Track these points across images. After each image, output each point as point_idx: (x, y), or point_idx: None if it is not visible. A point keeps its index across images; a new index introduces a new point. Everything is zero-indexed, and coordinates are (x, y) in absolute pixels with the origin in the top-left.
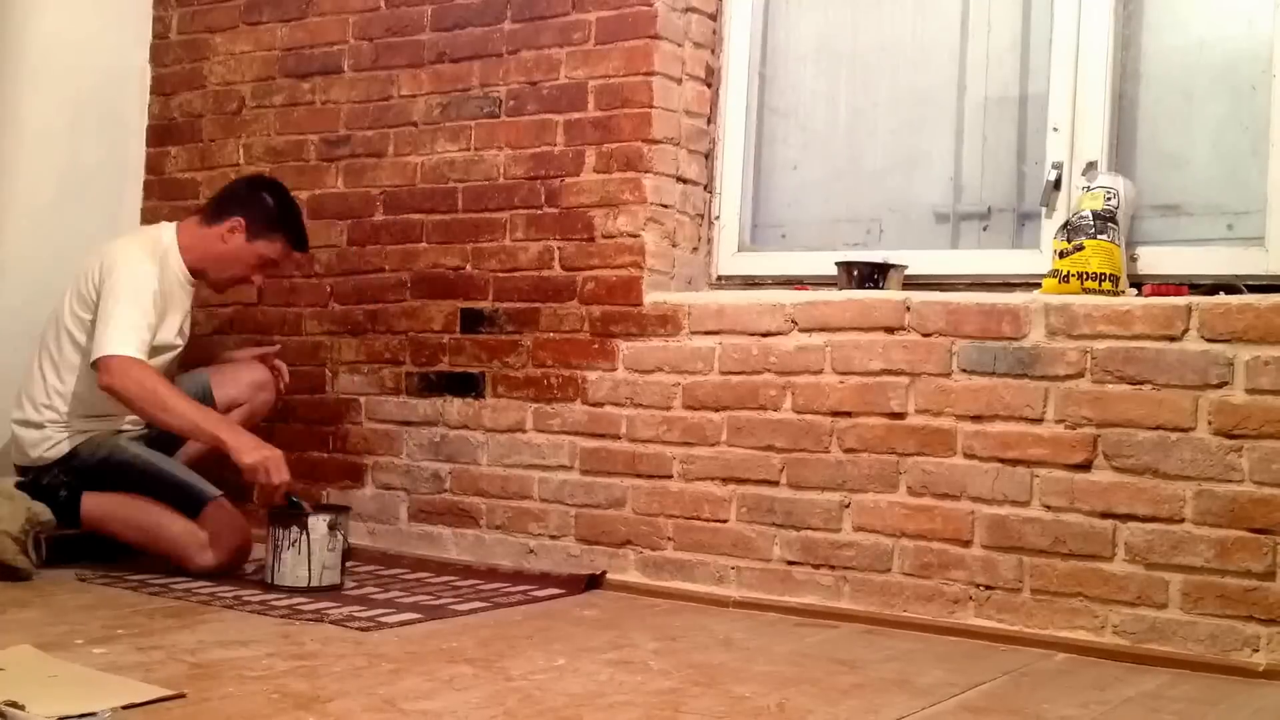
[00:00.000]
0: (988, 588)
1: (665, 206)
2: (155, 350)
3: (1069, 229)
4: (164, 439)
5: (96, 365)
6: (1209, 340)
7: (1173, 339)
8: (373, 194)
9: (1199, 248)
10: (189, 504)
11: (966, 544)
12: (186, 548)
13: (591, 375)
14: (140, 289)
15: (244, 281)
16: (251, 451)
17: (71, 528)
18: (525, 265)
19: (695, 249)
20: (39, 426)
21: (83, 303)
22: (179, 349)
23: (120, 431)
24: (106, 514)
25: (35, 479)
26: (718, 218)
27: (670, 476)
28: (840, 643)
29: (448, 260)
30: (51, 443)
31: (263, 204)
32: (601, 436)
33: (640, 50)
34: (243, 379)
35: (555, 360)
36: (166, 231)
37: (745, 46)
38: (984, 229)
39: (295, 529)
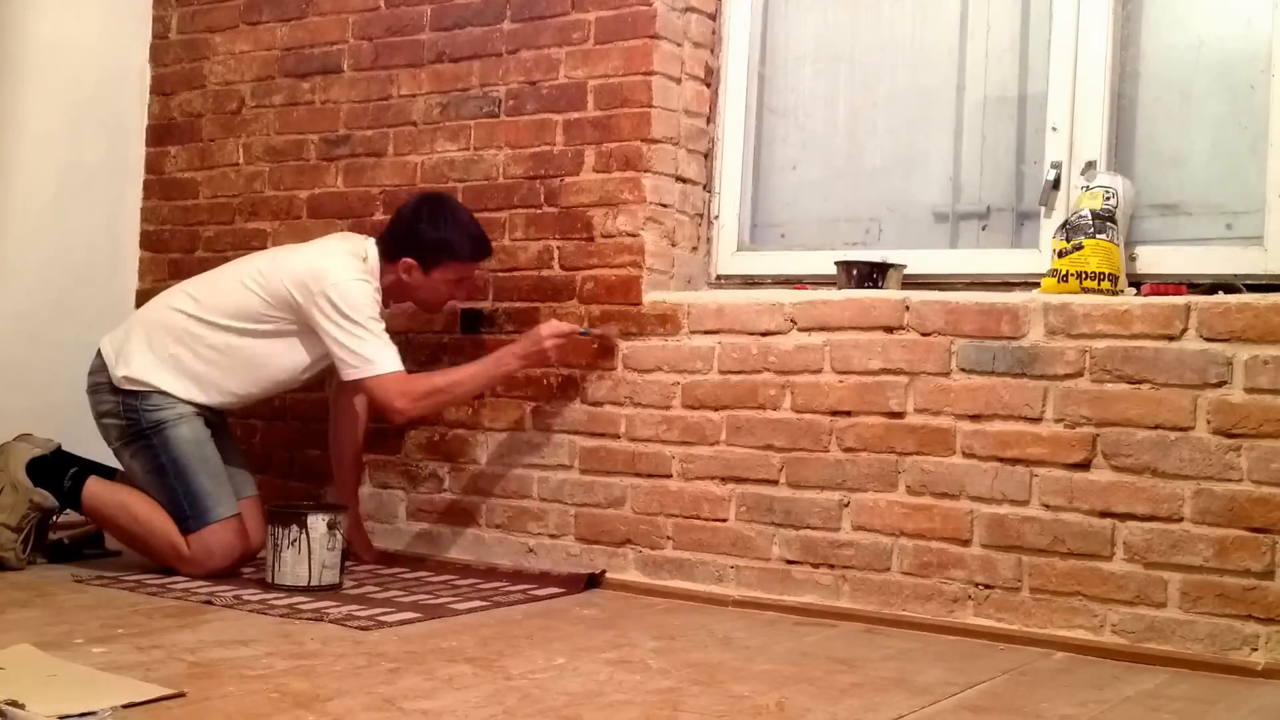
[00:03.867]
0: (987, 587)
1: (664, 206)
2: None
3: (1068, 228)
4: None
5: (364, 385)
6: (1208, 339)
7: (1172, 338)
8: (373, 193)
9: (1198, 247)
10: (190, 517)
11: (965, 543)
12: (170, 560)
13: (591, 374)
14: (368, 301)
15: (447, 301)
16: (539, 351)
17: (74, 509)
18: (525, 265)
19: (694, 248)
20: (151, 386)
21: (277, 299)
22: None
23: (194, 408)
24: (101, 507)
25: (95, 389)
26: (717, 217)
27: (670, 476)
28: (839, 642)
29: None
30: (151, 399)
31: (425, 237)
32: (601, 436)
33: (639, 50)
34: None
35: (555, 359)
36: (371, 250)
37: (744, 46)
38: (983, 228)
39: (295, 528)
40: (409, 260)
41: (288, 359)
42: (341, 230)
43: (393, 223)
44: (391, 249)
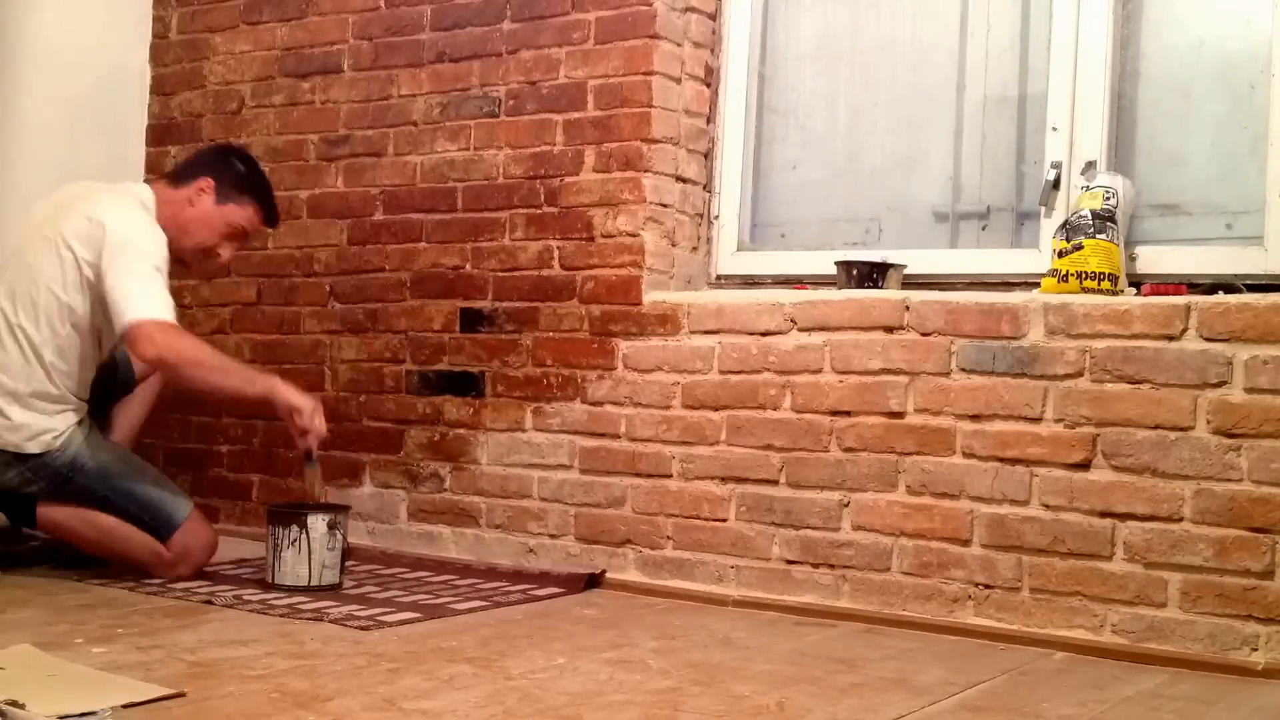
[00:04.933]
0: (987, 587)
1: (664, 206)
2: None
3: (1068, 228)
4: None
5: (128, 335)
6: (1208, 339)
7: (1171, 338)
8: (372, 193)
9: (1198, 247)
10: (159, 528)
11: (965, 543)
12: (150, 565)
13: (591, 374)
14: (156, 254)
15: (211, 254)
16: (304, 398)
17: (28, 526)
18: (525, 265)
19: (694, 248)
20: (30, 408)
21: (77, 269)
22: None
23: (76, 421)
24: (61, 520)
25: (3, 476)
26: (717, 217)
27: (670, 476)
28: (839, 642)
29: (447, 260)
30: (53, 433)
31: (233, 168)
32: (601, 436)
33: (640, 50)
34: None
35: (555, 360)
36: (144, 192)
37: (745, 46)
38: (983, 228)
39: (295, 528)
40: (208, 180)
41: (90, 333)
42: None
43: (196, 151)
44: (189, 171)
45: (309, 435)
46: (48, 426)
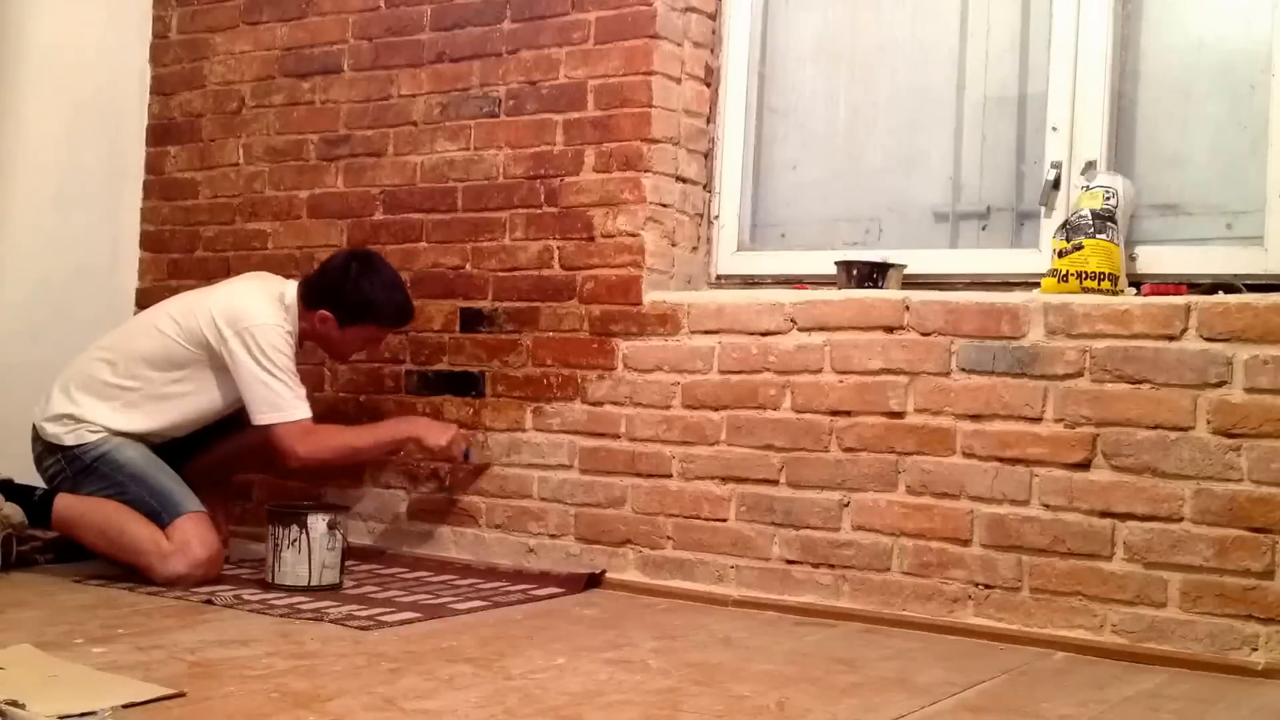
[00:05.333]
0: (987, 587)
1: (664, 206)
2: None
3: (1068, 228)
4: (169, 447)
5: (270, 430)
6: (1208, 339)
7: (1172, 338)
8: (372, 193)
9: (1198, 247)
10: (162, 511)
11: (965, 543)
12: (149, 555)
13: (591, 374)
14: (283, 347)
15: (356, 353)
16: (440, 433)
17: (43, 527)
18: (525, 265)
19: (695, 248)
20: (77, 422)
21: (194, 340)
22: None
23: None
24: (76, 518)
25: (37, 459)
26: (717, 217)
27: (670, 476)
28: (839, 642)
29: (447, 260)
30: (92, 428)
31: (347, 295)
32: (601, 436)
33: (639, 50)
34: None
35: (555, 359)
36: (290, 291)
37: (744, 46)
38: (983, 228)
39: (295, 528)
40: (326, 314)
41: (205, 399)
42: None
43: (319, 273)
44: (311, 298)
45: (448, 456)
46: (96, 422)
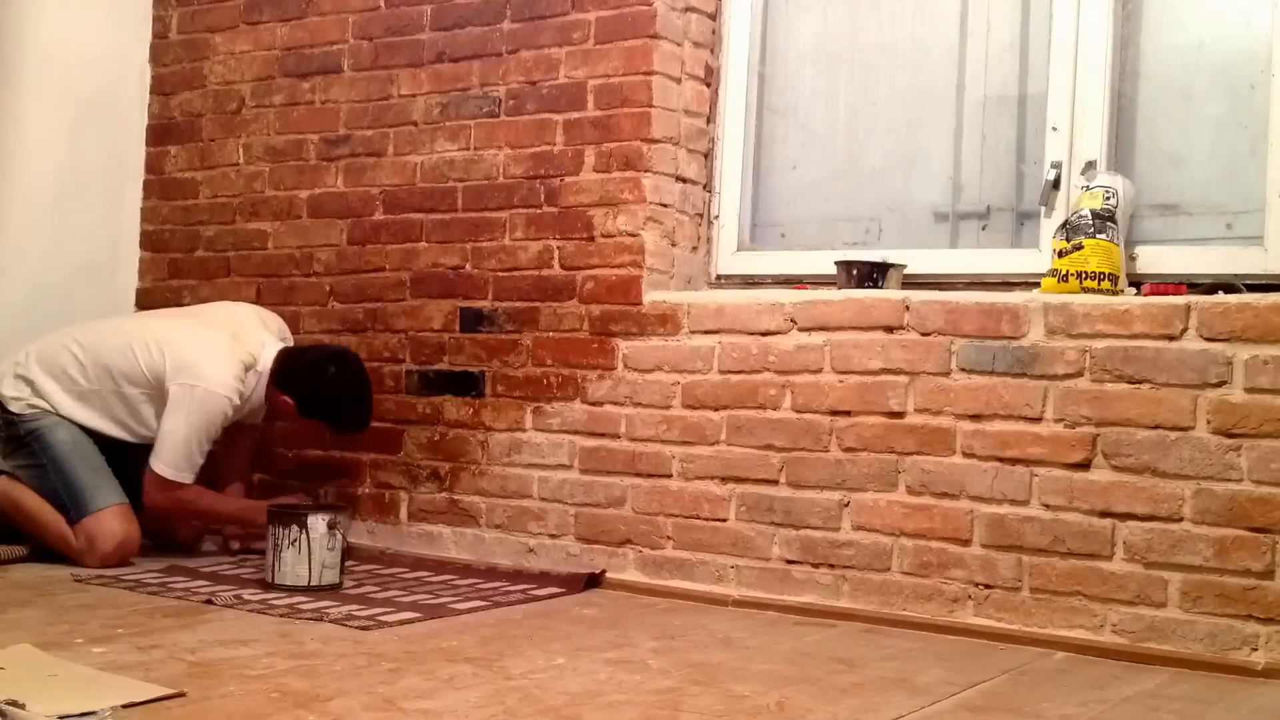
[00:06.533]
0: (987, 587)
1: (664, 206)
2: None
3: (1068, 228)
4: (106, 442)
5: (150, 466)
6: (1208, 339)
7: (1172, 338)
8: (372, 193)
9: (1198, 247)
10: (71, 509)
11: (965, 543)
12: (67, 549)
13: (591, 374)
14: (214, 416)
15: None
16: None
17: None
18: (525, 264)
19: (694, 248)
20: (32, 393)
21: (153, 372)
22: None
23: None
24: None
25: None
26: (717, 217)
27: (670, 475)
28: (839, 641)
29: (447, 259)
30: (24, 408)
31: (314, 394)
32: (601, 436)
33: (639, 50)
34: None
35: (555, 359)
36: (268, 352)
37: (744, 46)
38: (983, 228)
39: (295, 528)
40: (288, 400)
41: (158, 410)
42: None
43: (295, 360)
44: (280, 380)
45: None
46: (44, 399)
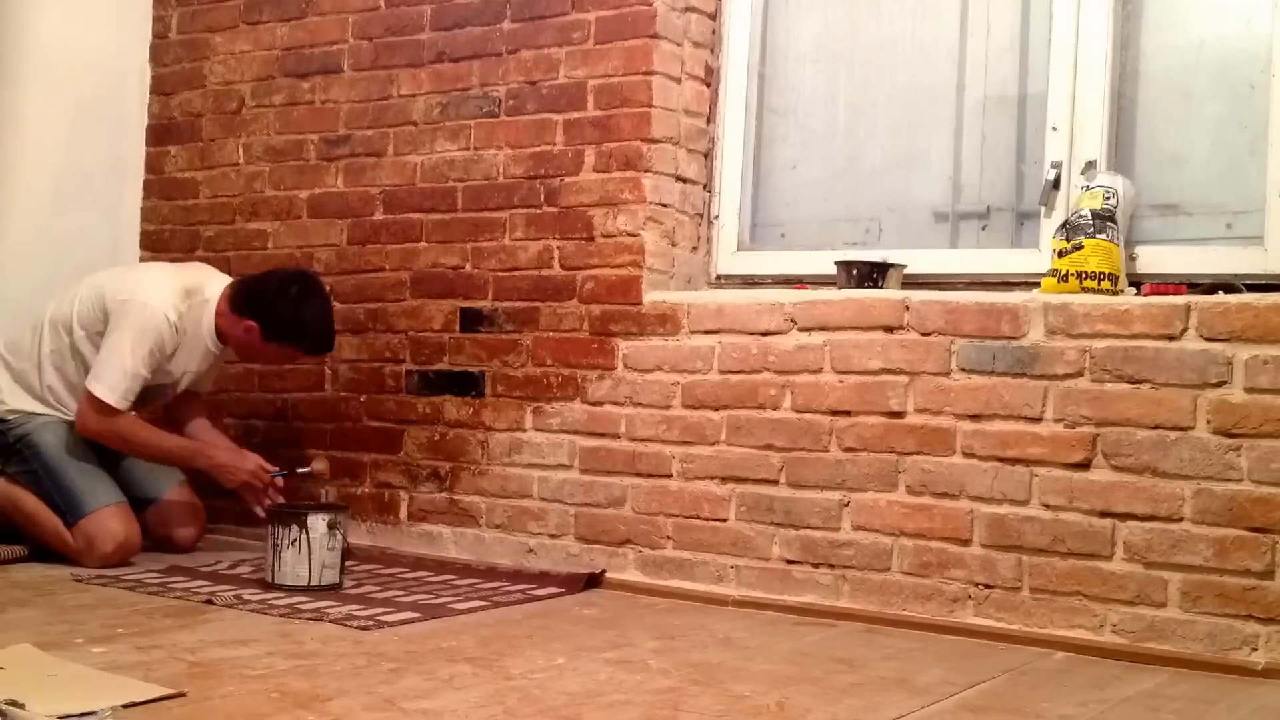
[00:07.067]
0: (987, 587)
1: (664, 206)
2: (151, 388)
3: (1068, 228)
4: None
5: (85, 388)
6: (1208, 339)
7: (1172, 338)
8: (372, 193)
9: (1198, 247)
10: (67, 513)
11: (965, 543)
12: (66, 550)
13: (591, 374)
14: (150, 333)
15: (267, 364)
16: (233, 474)
17: None
18: (525, 264)
19: (694, 248)
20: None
21: (100, 312)
22: (173, 388)
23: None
24: None
25: None
26: (717, 217)
27: (670, 475)
28: (839, 641)
29: (447, 259)
30: (6, 408)
31: (281, 314)
32: (601, 435)
33: (639, 50)
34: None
35: (555, 359)
36: (215, 284)
37: (744, 46)
38: (983, 228)
39: (295, 528)
40: (252, 324)
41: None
42: None
43: (257, 284)
44: (242, 305)
45: (257, 484)
46: (15, 402)
